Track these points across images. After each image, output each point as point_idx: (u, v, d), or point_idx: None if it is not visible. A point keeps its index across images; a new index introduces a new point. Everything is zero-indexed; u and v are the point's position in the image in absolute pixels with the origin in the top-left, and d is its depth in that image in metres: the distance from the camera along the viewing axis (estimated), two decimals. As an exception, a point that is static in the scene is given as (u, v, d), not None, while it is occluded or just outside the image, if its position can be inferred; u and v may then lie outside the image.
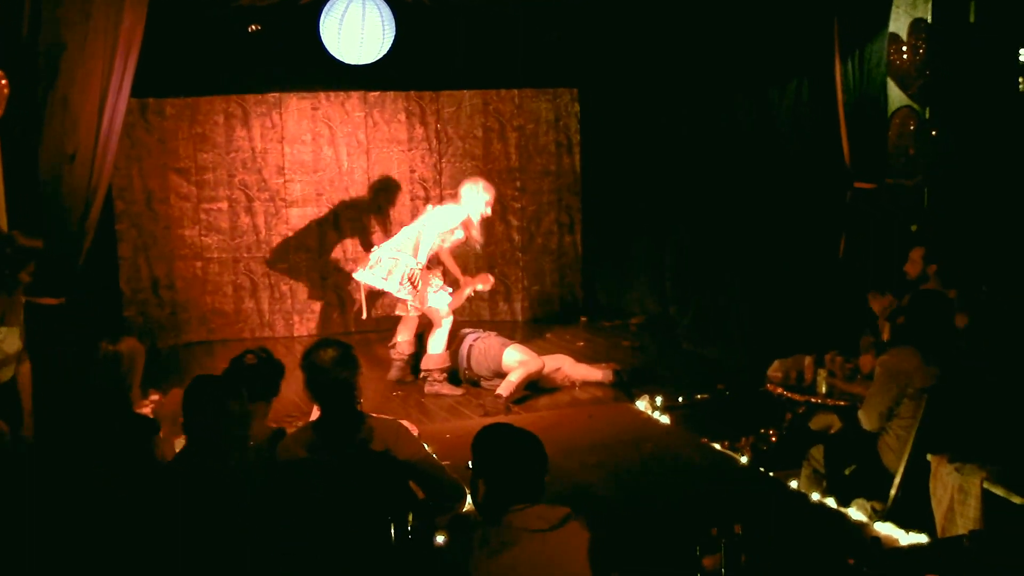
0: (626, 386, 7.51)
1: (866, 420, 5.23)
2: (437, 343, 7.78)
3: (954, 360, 5.13)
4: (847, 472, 5.34)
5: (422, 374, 7.78)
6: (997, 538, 3.92)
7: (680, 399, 7.27)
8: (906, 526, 4.90)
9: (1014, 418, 4.88)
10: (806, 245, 8.14)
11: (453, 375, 7.87)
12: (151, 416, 4.89)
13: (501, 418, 6.50)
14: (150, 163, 9.08)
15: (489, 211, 7.88)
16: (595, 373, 7.79)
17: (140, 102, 8.77)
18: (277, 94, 9.34)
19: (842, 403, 5.96)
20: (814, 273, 7.95)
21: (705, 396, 7.37)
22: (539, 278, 10.08)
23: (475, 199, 7.81)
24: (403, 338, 7.99)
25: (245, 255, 9.36)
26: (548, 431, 6.39)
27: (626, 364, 7.94)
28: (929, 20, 7.29)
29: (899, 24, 7.48)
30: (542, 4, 8.79)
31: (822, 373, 6.15)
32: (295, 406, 6.39)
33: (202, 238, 9.26)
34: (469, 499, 4.42)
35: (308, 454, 3.96)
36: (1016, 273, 6.35)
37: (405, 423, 4.69)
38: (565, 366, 7.82)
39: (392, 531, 3.77)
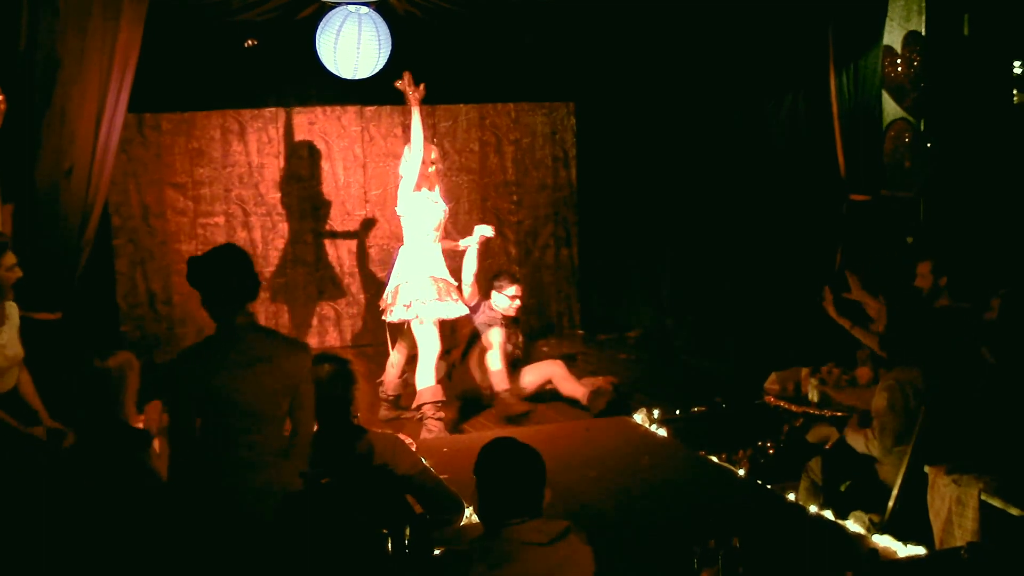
0: (605, 413, 7.36)
1: (878, 450, 5.18)
2: (424, 374, 6.99)
3: (951, 375, 5.13)
4: (842, 489, 5.33)
5: (417, 415, 7.04)
6: (995, 550, 3.92)
7: (677, 412, 7.27)
8: (904, 538, 4.89)
9: (1012, 429, 4.88)
10: (803, 257, 8.16)
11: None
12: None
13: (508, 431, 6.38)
14: (147, 178, 9.09)
15: (430, 169, 7.21)
16: (579, 390, 7.51)
17: (137, 117, 8.78)
18: (273, 109, 9.36)
19: (840, 414, 5.97)
20: (811, 285, 7.96)
21: (702, 409, 7.37)
22: (536, 291, 10.08)
23: (411, 160, 7.15)
24: (390, 374, 7.47)
25: (242, 269, 9.34)
26: (545, 444, 6.40)
27: (622, 378, 7.90)
28: (923, 33, 7.32)
29: (893, 37, 7.51)
30: (540, 18, 8.80)
31: (812, 382, 6.16)
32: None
33: (199, 253, 9.23)
34: (468, 512, 4.43)
35: (307, 467, 3.95)
36: (1012, 284, 6.34)
37: (403, 437, 4.70)
38: (555, 377, 7.67)
39: (390, 545, 3.77)
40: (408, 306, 6.94)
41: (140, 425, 4.92)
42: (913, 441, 4.98)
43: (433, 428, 6.88)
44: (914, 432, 4.99)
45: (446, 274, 7.14)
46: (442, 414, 6.97)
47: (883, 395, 5.15)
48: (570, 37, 9.25)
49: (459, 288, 7.24)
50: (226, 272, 3.92)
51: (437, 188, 7.30)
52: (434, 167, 7.28)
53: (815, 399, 6.13)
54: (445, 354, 7.33)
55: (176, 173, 9.18)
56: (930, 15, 7.34)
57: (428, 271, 7.03)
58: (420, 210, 7.11)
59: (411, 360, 7.50)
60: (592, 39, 9.27)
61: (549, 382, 7.68)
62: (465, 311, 7.17)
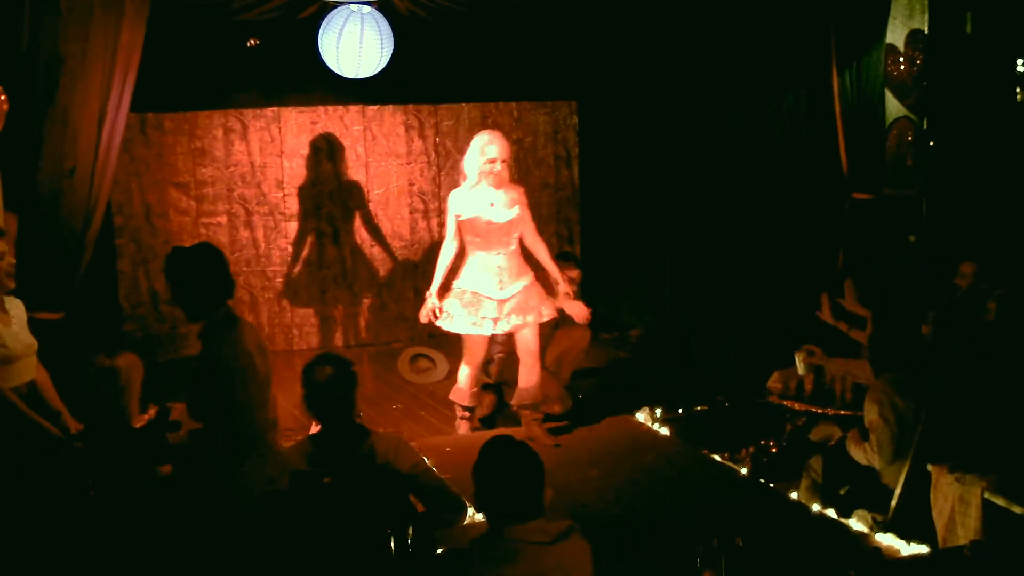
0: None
1: (879, 463, 5.17)
2: (460, 375, 6.87)
3: (952, 374, 5.12)
4: (842, 492, 5.33)
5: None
6: (998, 548, 3.91)
7: (680, 410, 7.27)
8: (907, 537, 4.90)
9: (1014, 428, 4.88)
10: (805, 256, 8.15)
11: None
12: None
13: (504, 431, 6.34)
14: (149, 177, 9.09)
15: (495, 168, 6.42)
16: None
17: (139, 116, 8.78)
18: (276, 108, 9.36)
19: (843, 413, 5.97)
20: (813, 284, 7.96)
21: (705, 407, 7.37)
22: (538, 290, 10.05)
23: (470, 155, 6.55)
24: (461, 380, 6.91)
25: (244, 269, 9.36)
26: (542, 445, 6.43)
27: (623, 377, 7.89)
28: (926, 31, 7.32)
29: (896, 35, 7.50)
30: (543, 17, 8.80)
31: (801, 355, 6.22)
32: (295, 419, 6.39)
33: (200, 253, 9.23)
34: (471, 511, 4.43)
35: (308, 467, 3.96)
36: (1008, 285, 6.35)
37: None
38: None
39: (392, 544, 3.77)
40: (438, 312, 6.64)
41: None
42: (915, 441, 4.97)
43: (460, 427, 6.89)
44: (913, 439, 4.99)
45: (481, 287, 6.53)
46: (467, 414, 6.89)
47: (873, 408, 5.14)
48: (572, 36, 9.25)
49: (500, 302, 6.51)
50: (202, 266, 4.20)
51: (501, 191, 6.53)
52: (500, 165, 6.46)
53: (803, 372, 6.19)
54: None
55: (178, 173, 9.18)
56: (933, 13, 7.34)
57: (460, 281, 6.61)
58: (467, 209, 6.53)
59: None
60: (594, 38, 9.27)
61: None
62: (487, 332, 6.57)
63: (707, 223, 9.08)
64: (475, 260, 6.60)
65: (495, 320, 6.51)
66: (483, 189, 6.48)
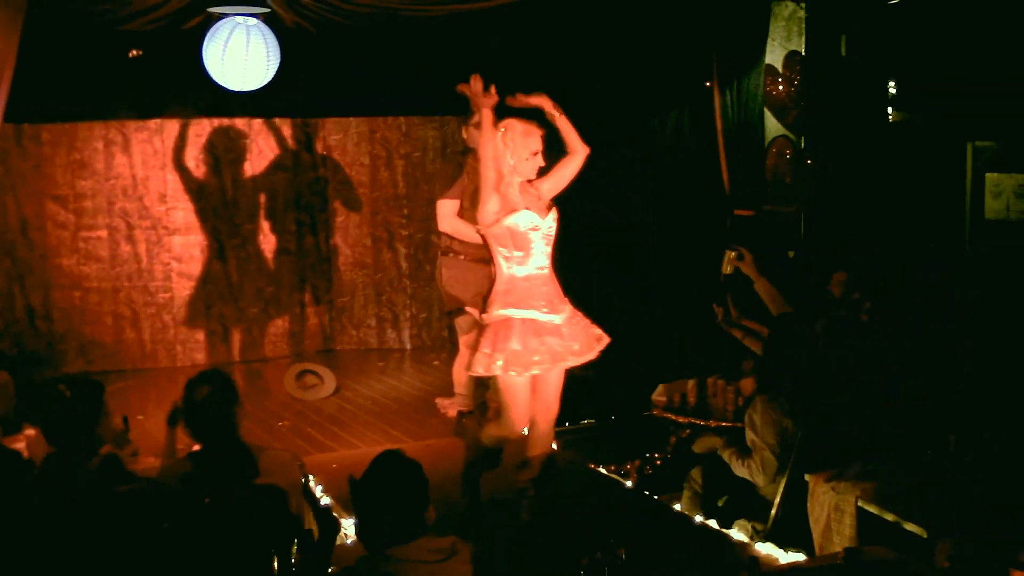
0: None
1: (762, 481, 5.28)
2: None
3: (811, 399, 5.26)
4: (720, 503, 5.43)
5: None
6: (870, 555, 4.03)
7: (566, 424, 7.29)
8: (786, 545, 5.01)
9: (886, 438, 5.04)
10: (689, 271, 8.30)
11: None
12: (25, 452, 4.75)
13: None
14: (25, 190, 8.82)
15: (538, 161, 5.14)
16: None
17: (15, 128, 8.52)
18: (159, 120, 9.17)
19: (724, 424, 6.08)
20: (697, 298, 8.11)
21: (591, 421, 7.42)
22: (427, 305, 10.05)
23: (508, 147, 5.14)
24: None
25: (126, 284, 9.15)
26: (433, 460, 6.41)
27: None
28: (803, 53, 7.53)
29: (775, 56, 7.72)
30: (432, 33, 8.80)
31: (730, 255, 6.24)
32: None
33: (81, 267, 9.02)
34: (345, 531, 4.40)
35: (185, 486, 3.89)
36: (887, 295, 6.56)
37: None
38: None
39: (275, 565, 3.72)
40: None
41: (20, 446, 4.79)
42: (794, 451, 5.10)
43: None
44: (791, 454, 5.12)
45: (533, 311, 5.08)
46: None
47: (754, 429, 5.25)
48: (462, 51, 9.25)
49: (558, 328, 5.17)
50: None
51: (528, 192, 5.19)
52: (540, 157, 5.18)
53: (729, 271, 6.28)
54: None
55: (57, 185, 8.94)
56: (809, 36, 7.57)
57: (499, 309, 5.13)
58: (501, 212, 5.06)
59: None
60: (481, 54, 9.29)
61: None
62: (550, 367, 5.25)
63: (592, 235, 9.17)
64: (516, 280, 5.09)
65: (557, 352, 5.12)
66: (513, 190, 5.10)
